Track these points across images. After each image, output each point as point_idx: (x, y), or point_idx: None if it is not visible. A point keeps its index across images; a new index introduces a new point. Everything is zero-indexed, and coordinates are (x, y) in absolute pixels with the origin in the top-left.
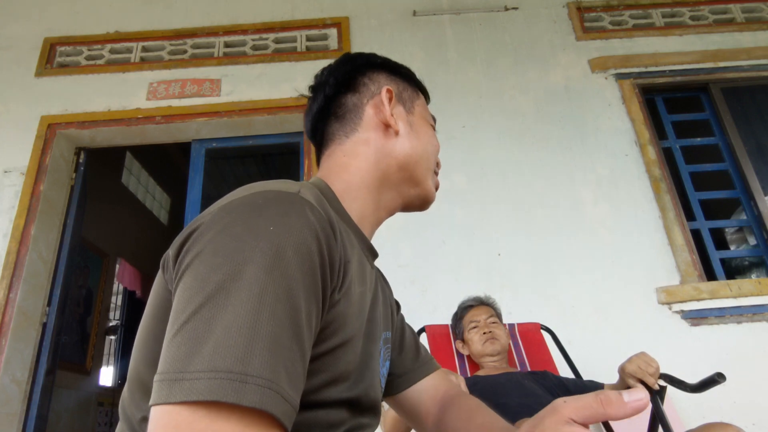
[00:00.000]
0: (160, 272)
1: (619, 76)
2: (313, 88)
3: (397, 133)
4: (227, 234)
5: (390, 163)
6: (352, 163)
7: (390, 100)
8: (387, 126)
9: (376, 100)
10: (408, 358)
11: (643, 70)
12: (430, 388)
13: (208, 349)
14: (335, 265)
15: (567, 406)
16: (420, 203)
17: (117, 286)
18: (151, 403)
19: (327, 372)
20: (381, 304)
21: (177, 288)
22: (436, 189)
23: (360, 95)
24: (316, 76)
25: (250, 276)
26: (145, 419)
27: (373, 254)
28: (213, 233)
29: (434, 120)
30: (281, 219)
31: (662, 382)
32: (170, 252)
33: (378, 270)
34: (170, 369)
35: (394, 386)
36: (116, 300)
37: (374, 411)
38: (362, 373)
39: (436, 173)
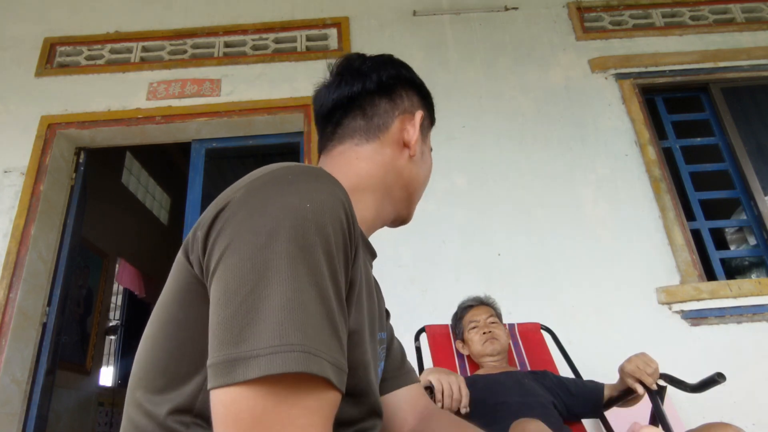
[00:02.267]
0: (181, 256)
1: (619, 76)
2: (347, 70)
3: (412, 156)
4: (265, 213)
5: (397, 181)
6: (363, 167)
7: (420, 125)
8: (405, 146)
9: (406, 118)
10: (394, 363)
11: (643, 70)
12: (410, 398)
13: (272, 326)
14: (354, 240)
15: None
16: (399, 222)
17: (117, 286)
18: (218, 384)
19: (349, 357)
20: (377, 304)
21: (217, 270)
22: None
23: (394, 105)
24: (353, 59)
25: (298, 255)
26: (176, 411)
27: (372, 254)
28: (248, 212)
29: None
30: (315, 195)
31: (662, 382)
32: (199, 233)
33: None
34: (238, 349)
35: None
36: (116, 300)
37: (380, 411)
38: (369, 369)
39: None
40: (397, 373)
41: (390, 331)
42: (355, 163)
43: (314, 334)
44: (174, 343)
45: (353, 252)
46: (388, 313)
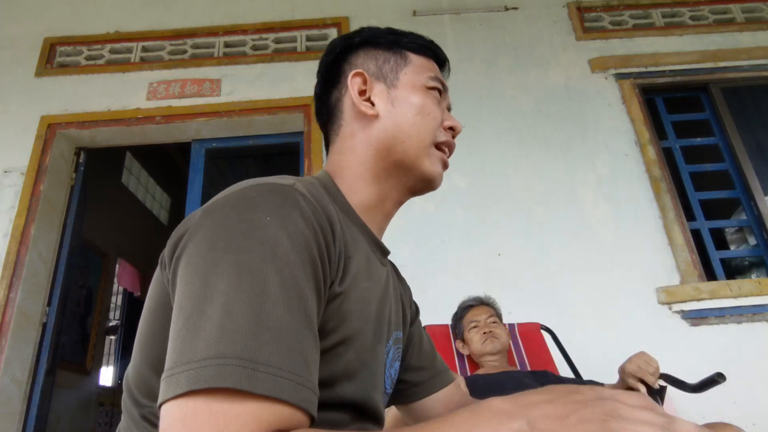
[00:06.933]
0: (158, 270)
1: (619, 76)
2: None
3: (376, 116)
4: (225, 228)
5: (378, 150)
6: (344, 160)
7: (365, 82)
8: (364, 114)
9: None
10: (425, 368)
11: (643, 70)
12: (445, 398)
13: (208, 339)
14: (333, 257)
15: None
16: (423, 186)
17: (117, 286)
18: (160, 400)
19: (327, 370)
20: (393, 302)
21: (176, 283)
22: (444, 165)
23: (340, 86)
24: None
25: (251, 268)
26: (144, 417)
27: (383, 251)
28: (210, 228)
29: (441, 83)
30: (276, 210)
31: (662, 382)
32: (166, 249)
33: (394, 268)
34: (177, 363)
35: (408, 395)
36: (116, 300)
37: (377, 415)
38: (366, 374)
39: (445, 147)
40: (429, 377)
41: (419, 330)
42: (338, 159)
43: (260, 348)
44: (152, 356)
45: (337, 262)
46: (417, 309)
